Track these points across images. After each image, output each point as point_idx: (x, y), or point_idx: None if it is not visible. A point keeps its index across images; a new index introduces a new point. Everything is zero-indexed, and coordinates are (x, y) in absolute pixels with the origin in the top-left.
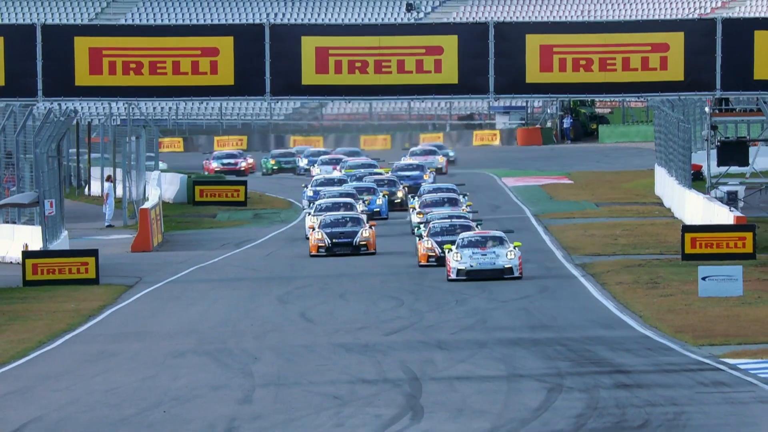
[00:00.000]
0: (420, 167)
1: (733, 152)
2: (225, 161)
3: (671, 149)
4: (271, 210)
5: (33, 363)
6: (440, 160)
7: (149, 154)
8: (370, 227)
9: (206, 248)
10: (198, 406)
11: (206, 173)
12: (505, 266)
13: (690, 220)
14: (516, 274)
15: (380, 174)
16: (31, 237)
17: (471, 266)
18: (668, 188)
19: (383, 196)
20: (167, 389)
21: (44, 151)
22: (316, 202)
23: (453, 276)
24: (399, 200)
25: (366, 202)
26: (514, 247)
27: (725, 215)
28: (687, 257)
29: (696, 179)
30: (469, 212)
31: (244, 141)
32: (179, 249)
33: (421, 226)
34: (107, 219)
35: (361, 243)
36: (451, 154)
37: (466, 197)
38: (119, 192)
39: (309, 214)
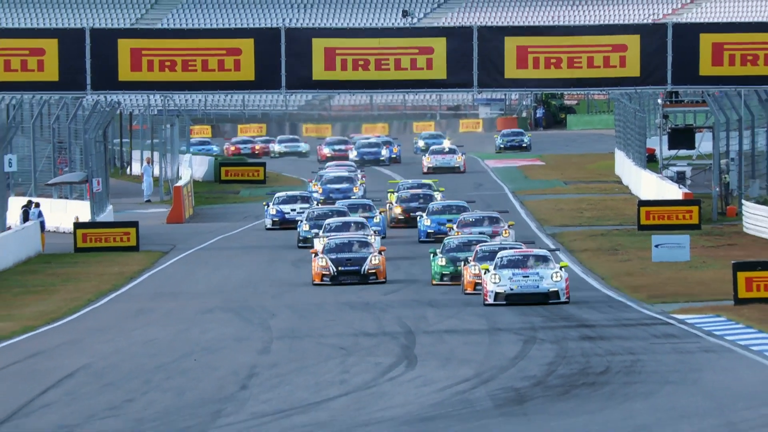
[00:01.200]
0: (350, 179)
1: (682, 138)
2: (336, 147)
3: (629, 135)
4: (287, 187)
5: (83, 318)
6: (458, 160)
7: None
8: (380, 252)
9: (230, 220)
10: (224, 356)
11: (318, 157)
12: (550, 290)
13: (645, 195)
14: (563, 298)
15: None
16: (81, 210)
17: (511, 289)
18: (626, 169)
19: (380, 213)
20: (197, 341)
21: (92, 137)
22: (325, 222)
23: (490, 300)
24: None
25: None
26: (561, 268)
27: (675, 192)
28: (642, 228)
29: (650, 161)
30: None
31: (264, 128)
32: (207, 221)
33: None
34: (145, 195)
35: (370, 271)
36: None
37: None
38: (156, 172)
39: (317, 236)
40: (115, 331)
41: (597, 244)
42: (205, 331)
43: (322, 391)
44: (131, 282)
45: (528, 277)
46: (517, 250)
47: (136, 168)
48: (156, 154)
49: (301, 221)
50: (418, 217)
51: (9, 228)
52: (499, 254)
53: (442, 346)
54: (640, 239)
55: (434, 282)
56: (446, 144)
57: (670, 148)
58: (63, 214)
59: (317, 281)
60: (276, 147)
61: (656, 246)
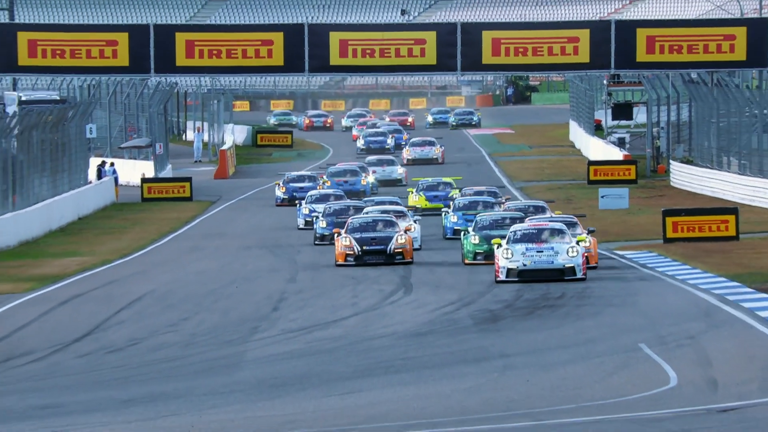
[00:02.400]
0: (312, 178)
1: (622, 111)
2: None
3: (580, 109)
4: (309, 150)
5: (148, 254)
6: (436, 151)
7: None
8: (406, 231)
9: (265, 176)
10: (259, 284)
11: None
12: (566, 266)
13: (593, 157)
14: (579, 275)
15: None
16: (147, 168)
17: (524, 265)
18: (578, 136)
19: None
20: (238, 272)
21: (155, 110)
22: (349, 219)
23: (502, 277)
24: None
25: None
26: (578, 242)
27: (617, 154)
28: (591, 182)
29: (597, 129)
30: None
31: (291, 104)
32: (246, 177)
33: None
34: (196, 156)
35: (396, 251)
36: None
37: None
38: (205, 138)
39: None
40: (173, 263)
41: (555, 195)
42: (244, 264)
43: (337, 312)
44: (186, 225)
45: (542, 252)
46: (534, 223)
47: (189, 135)
48: (205, 124)
49: (317, 217)
50: (443, 213)
51: (90, 182)
52: (512, 228)
53: (432, 276)
54: (589, 191)
55: (467, 261)
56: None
57: (613, 119)
58: (132, 171)
59: (341, 261)
60: (344, 121)
61: (602, 197)
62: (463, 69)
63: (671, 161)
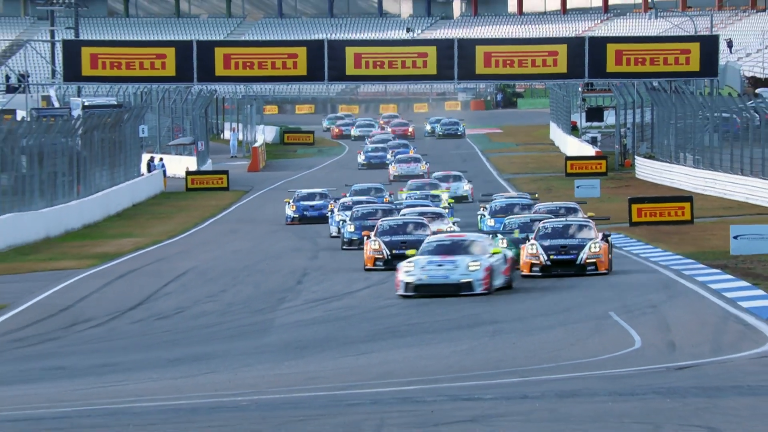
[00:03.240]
0: (323, 195)
1: (594, 114)
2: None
3: (559, 112)
4: (328, 147)
5: (191, 236)
6: (422, 168)
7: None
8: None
9: (290, 170)
10: (286, 261)
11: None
12: (462, 281)
13: (570, 153)
14: (478, 290)
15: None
16: (190, 163)
17: (420, 279)
18: (557, 135)
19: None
20: (268, 251)
21: (197, 114)
22: (379, 222)
23: (401, 291)
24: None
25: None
26: (492, 254)
27: (590, 150)
28: (568, 174)
29: (573, 130)
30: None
31: (313, 108)
32: (275, 170)
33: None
34: (232, 152)
35: None
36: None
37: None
38: (240, 137)
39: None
40: (213, 244)
41: (537, 186)
42: (273, 244)
43: (352, 285)
44: (224, 211)
45: (442, 266)
46: (450, 234)
47: (226, 134)
48: (240, 125)
49: (344, 221)
50: (479, 217)
51: (142, 175)
52: (427, 239)
53: None
54: (567, 182)
55: None
56: (411, 152)
57: (587, 120)
58: (178, 165)
59: (369, 266)
60: (353, 131)
61: (577, 187)
62: (460, 78)
63: (636, 157)
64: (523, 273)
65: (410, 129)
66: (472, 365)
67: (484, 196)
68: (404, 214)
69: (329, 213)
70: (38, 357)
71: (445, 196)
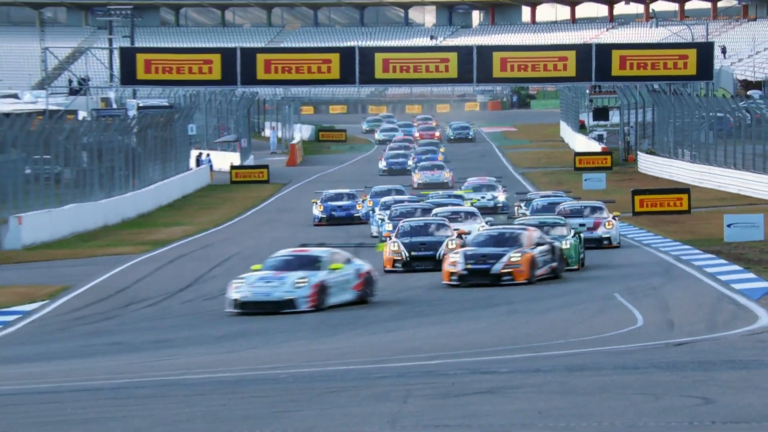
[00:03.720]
0: (351, 195)
1: (601, 113)
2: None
3: (568, 112)
4: (359, 144)
5: (235, 224)
6: (446, 176)
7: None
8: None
9: (325, 164)
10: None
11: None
12: (285, 298)
13: (578, 149)
14: (302, 307)
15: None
16: (234, 158)
17: (245, 296)
18: (567, 133)
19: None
20: (304, 238)
21: (240, 113)
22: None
23: (229, 309)
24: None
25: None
26: (332, 270)
27: (596, 147)
28: (577, 169)
29: (581, 128)
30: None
31: (345, 108)
32: (311, 165)
33: None
34: (272, 149)
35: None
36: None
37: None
38: (279, 134)
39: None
40: (254, 231)
41: (548, 179)
42: (308, 232)
43: (380, 269)
44: (264, 202)
45: (270, 282)
46: (294, 249)
47: (266, 132)
48: (279, 124)
49: (383, 220)
50: (517, 215)
51: (191, 169)
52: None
53: None
54: (575, 176)
55: None
56: (440, 157)
57: (594, 119)
58: (223, 160)
59: (389, 267)
60: (377, 135)
61: (585, 180)
62: (478, 81)
63: (638, 152)
64: (386, 268)
65: (437, 133)
66: (489, 342)
67: (519, 195)
68: (435, 214)
69: (363, 213)
70: (98, 334)
71: (469, 195)
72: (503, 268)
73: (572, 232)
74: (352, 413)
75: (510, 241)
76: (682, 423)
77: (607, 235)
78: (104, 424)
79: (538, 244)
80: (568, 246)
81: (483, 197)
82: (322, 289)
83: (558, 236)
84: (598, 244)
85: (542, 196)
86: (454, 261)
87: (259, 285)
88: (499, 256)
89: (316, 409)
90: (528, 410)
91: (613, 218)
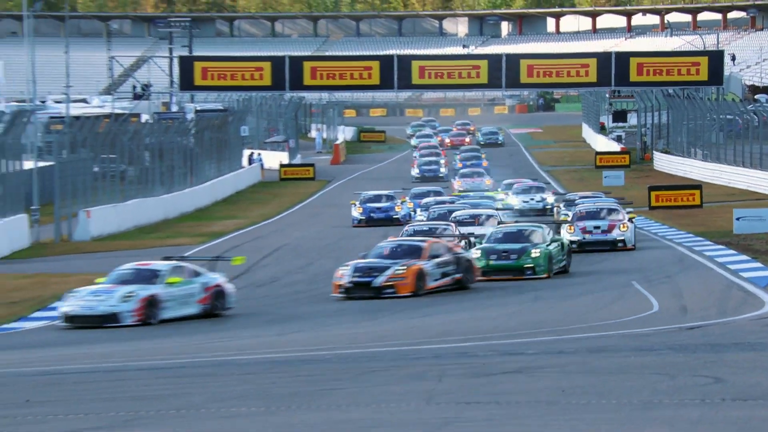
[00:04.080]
0: (390, 197)
1: (620, 116)
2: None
3: (590, 114)
4: (398, 145)
5: (284, 217)
6: (487, 183)
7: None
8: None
9: (366, 163)
10: (361, 239)
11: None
12: (109, 312)
13: (599, 149)
14: (126, 321)
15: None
16: (283, 157)
17: (73, 309)
18: (589, 133)
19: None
20: (346, 231)
21: (289, 116)
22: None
23: (59, 323)
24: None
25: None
26: (170, 284)
27: (616, 146)
28: (597, 167)
29: (602, 129)
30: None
31: (385, 111)
32: (353, 163)
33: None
34: (317, 149)
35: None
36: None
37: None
38: (324, 135)
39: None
40: (302, 224)
41: (571, 176)
42: (350, 226)
43: None
44: (310, 198)
45: (99, 296)
46: (141, 263)
47: (312, 133)
48: (324, 125)
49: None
50: (559, 217)
51: (243, 167)
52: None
53: None
54: (596, 173)
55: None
56: (484, 163)
57: (613, 121)
58: (273, 159)
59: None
60: (414, 141)
61: (605, 177)
62: (507, 86)
63: (654, 152)
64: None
65: (467, 139)
66: (517, 325)
67: (558, 196)
68: (455, 216)
69: (402, 215)
70: None
71: (500, 196)
72: (385, 281)
73: (548, 240)
74: (390, 391)
75: (406, 254)
76: (694, 400)
77: (621, 238)
78: (165, 400)
79: (435, 257)
80: (479, 255)
81: (532, 199)
82: (152, 303)
83: (535, 243)
84: (613, 246)
85: (581, 197)
86: (341, 273)
87: (88, 299)
88: (384, 269)
89: (358, 387)
90: (552, 388)
91: (629, 221)
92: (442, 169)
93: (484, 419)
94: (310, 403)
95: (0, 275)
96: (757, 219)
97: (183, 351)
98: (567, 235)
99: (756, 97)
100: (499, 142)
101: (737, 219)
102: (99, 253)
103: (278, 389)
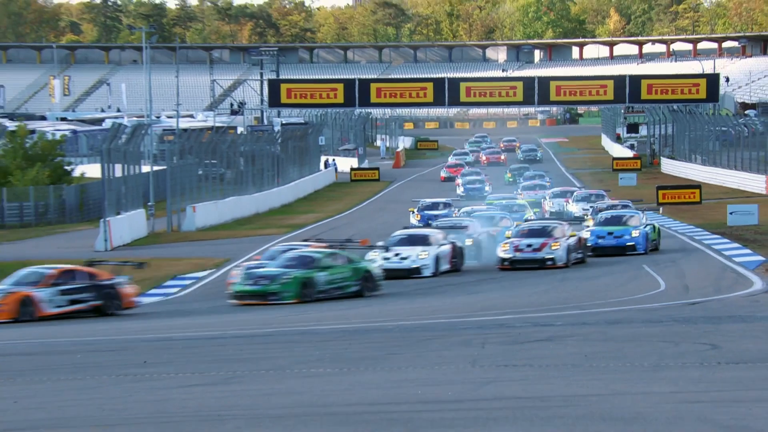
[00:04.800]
0: (447, 204)
1: (633, 128)
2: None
3: (608, 126)
4: (447, 152)
5: (353, 212)
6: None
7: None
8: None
9: (422, 167)
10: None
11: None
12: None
13: (615, 155)
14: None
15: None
16: (353, 162)
17: None
18: (607, 143)
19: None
20: (407, 222)
21: (358, 128)
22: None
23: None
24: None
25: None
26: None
27: (629, 153)
28: (614, 170)
29: (618, 139)
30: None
31: (437, 124)
32: (412, 167)
33: None
34: (381, 155)
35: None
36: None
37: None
38: (387, 144)
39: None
40: (369, 217)
41: (592, 178)
42: (407, 220)
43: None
44: (376, 195)
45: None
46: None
47: (377, 142)
48: (387, 136)
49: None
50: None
51: (320, 171)
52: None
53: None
54: (613, 175)
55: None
56: (548, 182)
57: (627, 132)
58: (345, 163)
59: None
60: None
61: (621, 178)
62: (539, 103)
63: (662, 157)
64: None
65: (502, 156)
66: (547, 301)
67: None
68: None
69: None
70: None
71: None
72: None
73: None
74: (442, 355)
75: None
76: (694, 363)
77: (551, 256)
78: (256, 362)
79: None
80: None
81: (591, 207)
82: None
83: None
84: (541, 265)
85: (608, 207)
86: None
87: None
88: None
89: (415, 352)
90: (576, 354)
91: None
92: (487, 188)
93: (519, 379)
94: (375, 365)
95: (122, 258)
96: (747, 213)
97: (269, 322)
98: (501, 252)
99: (746, 112)
100: (538, 159)
101: (730, 213)
102: (203, 241)
103: (349, 354)
